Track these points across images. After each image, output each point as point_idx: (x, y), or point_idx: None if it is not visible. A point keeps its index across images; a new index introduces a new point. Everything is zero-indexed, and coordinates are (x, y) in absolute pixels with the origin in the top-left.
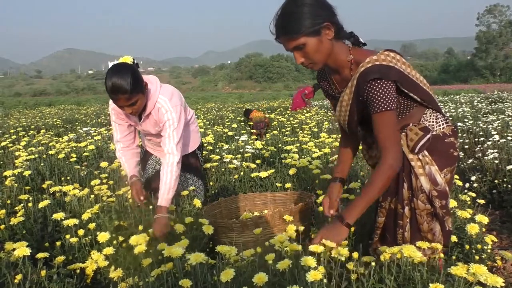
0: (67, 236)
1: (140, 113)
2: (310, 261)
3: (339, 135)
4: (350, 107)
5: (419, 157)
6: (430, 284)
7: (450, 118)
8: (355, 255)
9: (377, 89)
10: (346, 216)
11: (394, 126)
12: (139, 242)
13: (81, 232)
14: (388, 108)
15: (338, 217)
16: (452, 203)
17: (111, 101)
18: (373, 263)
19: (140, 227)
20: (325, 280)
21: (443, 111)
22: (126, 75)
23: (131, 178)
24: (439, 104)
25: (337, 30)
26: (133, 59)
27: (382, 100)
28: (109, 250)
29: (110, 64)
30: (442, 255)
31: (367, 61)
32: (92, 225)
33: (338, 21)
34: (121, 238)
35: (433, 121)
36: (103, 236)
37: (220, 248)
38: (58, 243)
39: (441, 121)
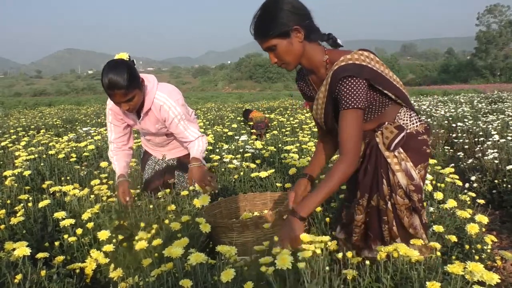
0: (66, 236)
1: (139, 112)
2: (301, 264)
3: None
4: (325, 105)
5: (395, 154)
6: (427, 283)
7: (424, 117)
8: (349, 254)
9: (348, 86)
10: (299, 210)
11: (358, 126)
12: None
13: (79, 231)
14: (355, 106)
15: (291, 212)
16: (452, 203)
17: (108, 101)
18: (367, 262)
19: (142, 224)
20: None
21: (443, 110)
22: (122, 71)
23: (118, 177)
24: (441, 103)
25: (308, 33)
26: (129, 56)
27: (351, 98)
28: (109, 247)
29: None
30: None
31: (340, 60)
32: (90, 225)
33: (311, 24)
34: (120, 237)
35: (407, 120)
36: (103, 234)
37: (220, 248)
38: (57, 243)
39: (415, 119)
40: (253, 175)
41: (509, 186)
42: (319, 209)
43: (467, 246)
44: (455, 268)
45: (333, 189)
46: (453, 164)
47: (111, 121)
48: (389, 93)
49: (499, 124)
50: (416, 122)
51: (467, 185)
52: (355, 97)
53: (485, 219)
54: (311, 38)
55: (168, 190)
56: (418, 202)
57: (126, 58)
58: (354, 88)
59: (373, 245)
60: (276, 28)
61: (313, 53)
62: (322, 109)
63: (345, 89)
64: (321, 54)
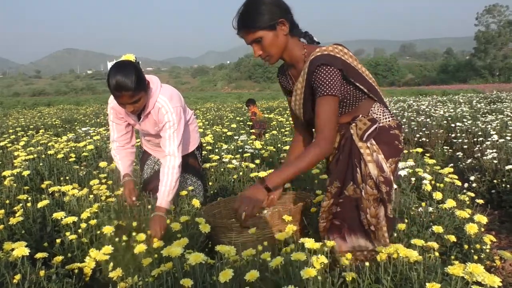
0: (67, 233)
1: (140, 113)
2: (301, 255)
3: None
4: (303, 95)
5: (367, 145)
6: (427, 284)
7: (395, 113)
8: (349, 256)
9: (324, 74)
10: (268, 180)
11: (334, 113)
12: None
13: (83, 225)
14: (330, 93)
15: (260, 179)
16: (451, 203)
17: (110, 100)
18: (367, 263)
19: (134, 224)
20: (319, 277)
21: (442, 110)
22: (130, 73)
23: (124, 177)
24: (440, 103)
25: (291, 27)
26: (135, 57)
27: (326, 85)
28: (108, 249)
29: (109, 64)
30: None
31: (317, 51)
32: (93, 222)
33: (293, 19)
34: (124, 237)
35: (380, 114)
36: (107, 229)
37: (220, 248)
38: (57, 241)
39: (387, 115)
40: (252, 175)
41: (508, 186)
42: (313, 209)
43: (466, 246)
44: (455, 269)
45: (302, 170)
46: (452, 164)
47: (113, 119)
48: (361, 86)
49: (498, 124)
50: (389, 117)
51: (466, 185)
52: (330, 84)
53: (484, 219)
54: (293, 33)
55: None
56: (385, 194)
57: (133, 59)
58: (329, 75)
59: (346, 235)
60: (263, 21)
61: (294, 47)
62: (301, 99)
63: (320, 77)
64: (301, 48)
